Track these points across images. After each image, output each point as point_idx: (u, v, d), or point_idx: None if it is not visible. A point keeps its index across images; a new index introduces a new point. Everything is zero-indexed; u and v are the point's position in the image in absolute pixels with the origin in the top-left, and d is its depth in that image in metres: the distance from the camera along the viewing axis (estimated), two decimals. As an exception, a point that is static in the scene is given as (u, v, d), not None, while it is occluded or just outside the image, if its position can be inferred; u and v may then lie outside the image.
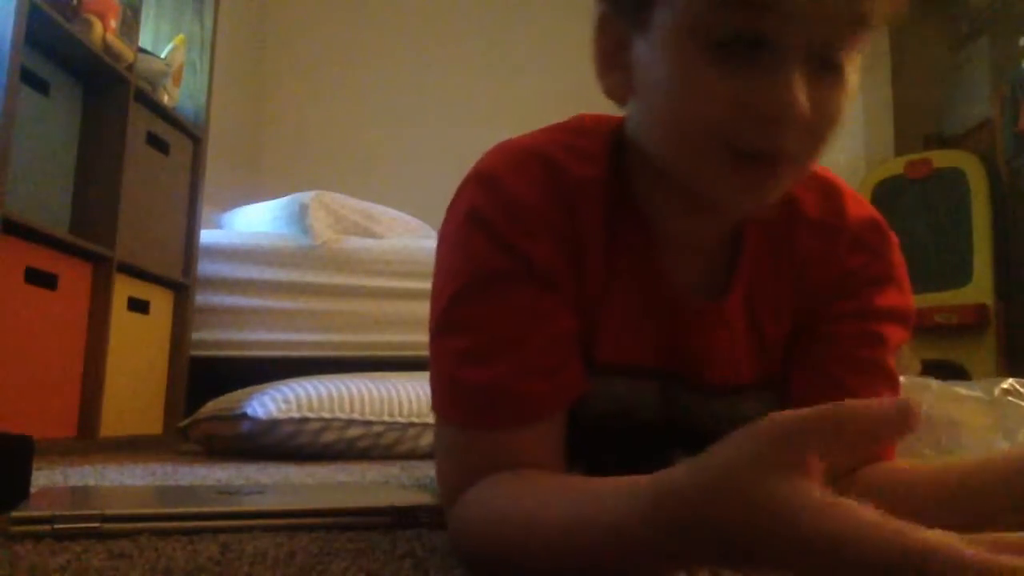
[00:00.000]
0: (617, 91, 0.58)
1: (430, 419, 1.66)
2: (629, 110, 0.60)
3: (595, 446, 0.64)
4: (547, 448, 0.56)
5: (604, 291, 0.60)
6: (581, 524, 0.43)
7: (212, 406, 1.77)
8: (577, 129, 0.63)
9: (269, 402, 1.67)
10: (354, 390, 1.74)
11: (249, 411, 1.66)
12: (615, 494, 0.41)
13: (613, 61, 0.57)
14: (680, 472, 0.37)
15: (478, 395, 0.55)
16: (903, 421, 0.33)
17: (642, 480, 0.40)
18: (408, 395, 1.78)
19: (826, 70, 0.51)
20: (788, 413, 0.34)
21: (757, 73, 0.49)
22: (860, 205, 0.66)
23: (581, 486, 0.47)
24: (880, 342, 0.63)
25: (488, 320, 0.56)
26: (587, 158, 0.60)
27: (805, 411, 0.33)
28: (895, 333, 0.63)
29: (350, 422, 1.71)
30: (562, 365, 0.57)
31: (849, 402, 0.33)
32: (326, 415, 1.69)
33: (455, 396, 0.57)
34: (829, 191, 0.64)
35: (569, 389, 0.57)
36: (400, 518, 0.73)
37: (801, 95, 0.49)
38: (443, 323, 0.58)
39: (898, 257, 0.65)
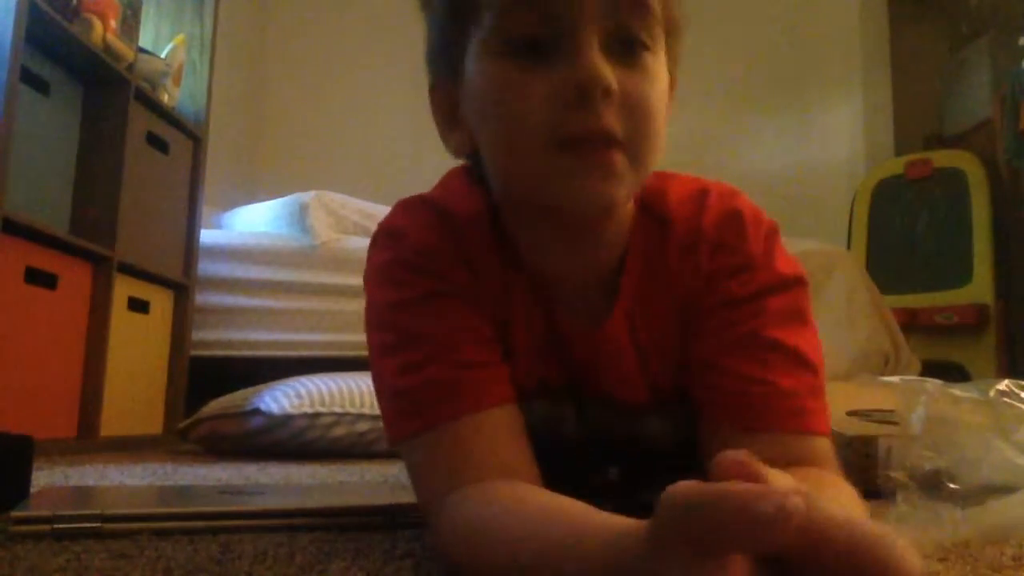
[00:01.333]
0: (463, 147, 0.63)
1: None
2: (478, 164, 0.64)
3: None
4: (512, 443, 0.57)
5: (507, 317, 0.64)
6: (565, 560, 0.42)
7: (216, 405, 1.77)
8: (458, 179, 0.68)
9: (282, 397, 1.68)
10: (363, 386, 1.75)
11: (262, 406, 1.66)
12: (600, 534, 0.41)
13: (451, 122, 0.63)
14: (635, 530, 0.37)
15: (418, 394, 0.58)
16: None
17: (624, 525, 0.39)
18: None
19: (628, 59, 0.55)
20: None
21: (561, 66, 0.53)
22: (719, 204, 0.65)
23: (567, 518, 0.46)
24: (754, 316, 0.61)
25: (420, 334, 0.60)
26: (468, 198, 0.65)
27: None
28: (771, 303, 0.62)
29: (360, 416, 1.72)
30: (492, 361, 0.60)
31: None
32: (338, 409, 1.70)
33: (400, 406, 0.60)
34: (697, 203, 0.65)
35: (504, 381, 0.60)
36: (399, 518, 0.73)
37: (605, 70, 0.52)
38: (379, 348, 0.62)
39: (757, 244, 0.63)
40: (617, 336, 0.64)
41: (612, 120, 0.53)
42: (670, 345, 0.65)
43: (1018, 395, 0.93)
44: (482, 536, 0.50)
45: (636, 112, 0.54)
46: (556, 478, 0.57)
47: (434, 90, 0.64)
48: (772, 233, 0.65)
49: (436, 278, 0.61)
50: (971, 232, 2.94)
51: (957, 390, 0.95)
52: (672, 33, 0.59)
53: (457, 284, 0.61)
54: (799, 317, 0.62)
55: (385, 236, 0.66)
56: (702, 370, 0.62)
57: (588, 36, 0.53)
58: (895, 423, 0.95)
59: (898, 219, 3.11)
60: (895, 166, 3.22)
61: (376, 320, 0.63)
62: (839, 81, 3.54)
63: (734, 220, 0.64)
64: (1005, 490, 0.80)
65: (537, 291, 0.64)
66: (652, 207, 0.65)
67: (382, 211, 3.06)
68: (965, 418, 0.89)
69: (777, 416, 0.58)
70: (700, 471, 0.35)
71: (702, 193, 0.66)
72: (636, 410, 0.68)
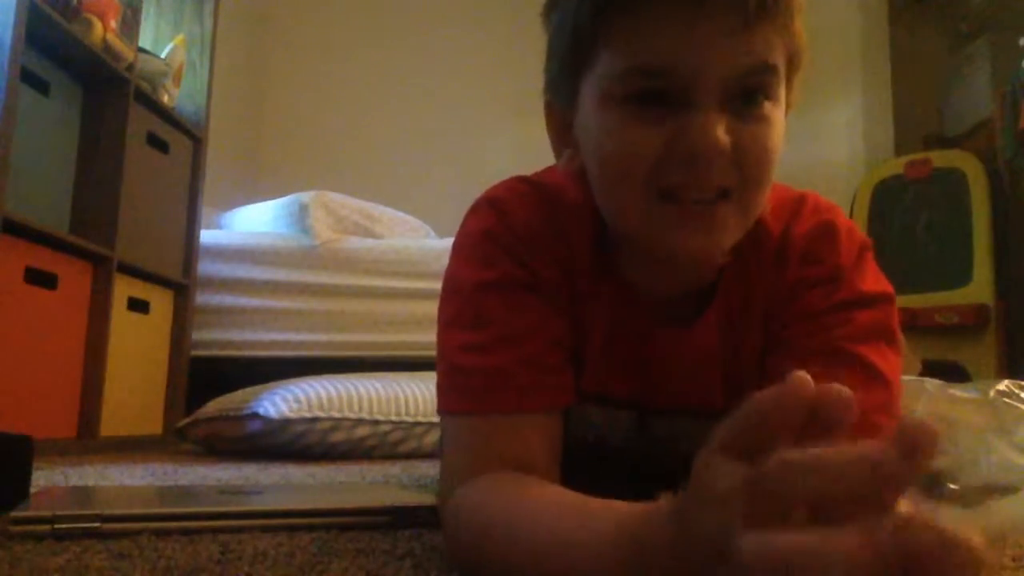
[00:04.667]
0: (571, 165, 0.62)
1: (436, 418, 1.66)
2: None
3: (574, 473, 0.65)
4: (544, 449, 0.58)
5: (587, 319, 0.64)
6: (566, 543, 0.43)
7: (215, 406, 1.77)
8: (572, 175, 0.67)
9: (280, 402, 1.67)
10: (361, 390, 1.75)
11: (261, 410, 1.66)
12: (603, 517, 0.41)
13: (563, 141, 0.62)
14: (655, 509, 0.36)
15: (476, 377, 0.59)
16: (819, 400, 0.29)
17: (628, 509, 0.39)
18: (414, 394, 1.78)
19: (747, 110, 0.54)
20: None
21: (675, 120, 0.53)
22: (812, 218, 0.65)
23: (571, 503, 0.48)
24: (834, 327, 0.61)
25: (495, 319, 0.60)
26: (578, 193, 0.64)
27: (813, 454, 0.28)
28: (854, 316, 0.62)
29: (359, 421, 1.71)
30: (559, 367, 0.61)
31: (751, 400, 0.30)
32: (336, 414, 1.69)
33: (454, 381, 0.61)
34: (791, 212, 0.65)
35: (563, 391, 0.61)
36: (400, 518, 0.73)
37: (718, 131, 0.51)
38: (452, 320, 0.63)
39: (848, 257, 0.64)
40: (705, 340, 0.64)
41: (721, 176, 0.53)
42: (753, 351, 0.65)
43: (1018, 395, 0.93)
44: (486, 519, 0.51)
45: (750, 163, 0.54)
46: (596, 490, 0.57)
47: (548, 107, 0.64)
48: (864, 249, 0.65)
49: (526, 268, 0.62)
50: (971, 232, 2.94)
51: (957, 390, 0.95)
52: (794, 69, 0.58)
53: (544, 278, 0.62)
54: (883, 334, 0.62)
55: (488, 206, 0.66)
56: (775, 379, 0.62)
57: (708, 92, 0.52)
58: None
59: (898, 219, 3.11)
60: (895, 166, 3.22)
61: (453, 289, 0.64)
62: (839, 81, 3.54)
63: (826, 232, 0.64)
64: (1005, 490, 0.80)
65: (625, 294, 0.64)
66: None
67: (382, 211, 3.05)
68: (965, 418, 0.89)
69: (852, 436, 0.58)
70: None
71: (798, 202, 0.66)
72: (704, 416, 0.66)
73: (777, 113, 0.56)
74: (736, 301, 0.65)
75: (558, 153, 0.64)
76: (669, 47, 0.52)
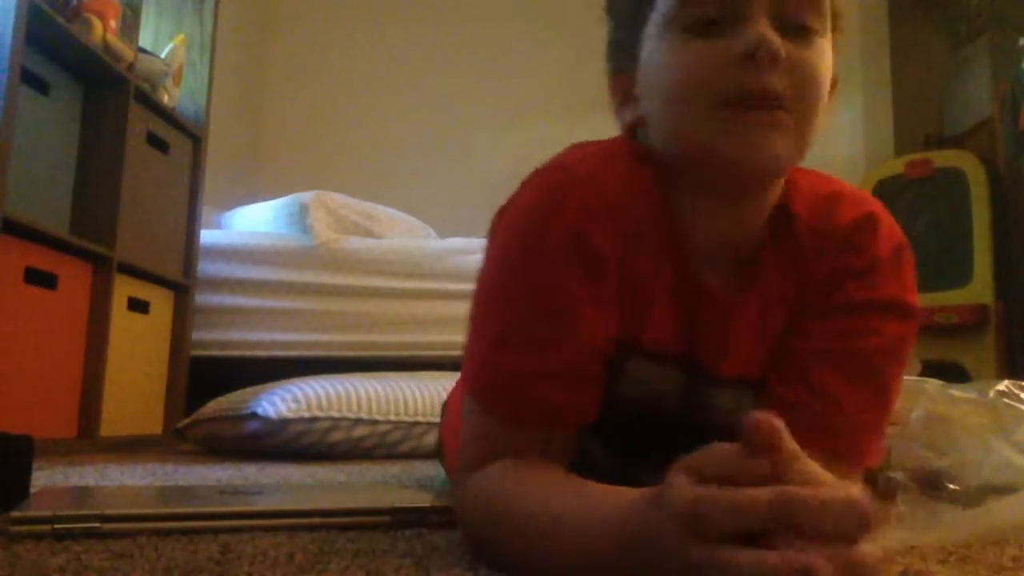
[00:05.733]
0: (633, 122, 0.66)
1: (435, 418, 1.66)
2: (645, 137, 0.66)
3: (617, 431, 0.68)
4: (558, 454, 0.60)
5: (652, 287, 0.63)
6: (568, 526, 0.48)
7: (214, 406, 1.77)
8: (619, 153, 0.67)
9: (279, 401, 1.67)
10: (360, 390, 1.74)
11: (259, 410, 1.66)
12: (607, 502, 0.46)
13: (626, 102, 0.66)
14: (642, 501, 0.42)
15: (505, 377, 0.59)
16: (850, 518, 0.34)
17: (634, 495, 0.44)
18: (414, 394, 1.78)
19: (796, 36, 0.58)
20: (713, 494, 0.36)
21: (732, 37, 0.57)
22: (855, 206, 0.67)
23: (580, 486, 0.52)
24: (862, 335, 0.63)
25: (539, 313, 0.59)
26: (638, 158, 0.65)
27: (735, 494, 0.35)
28: (883, 325, 0.63)
29: (357, 421, 1.71)
30: (593, 378, 0.61)
31: (786, 491, 0.35)
32: (335, 414, 1.69)
33: (483, 371, 0.62)
34: (827, 198, 0.67)
35: (589, 409, 0.61)
36: (400, 518, 0.73)
37: (773, 36, 0.56)
38: (486, 297, 0.62)
39: (887, 249, 0.65)
40: (750, 312, 0.65)
41: (777, 82, 0.56)
42: (779, 331, 0.66)
43: (1018, 395, 0.93)
44: (496, 505, 0.55)
45: (802, 78, 0.57)
46: (632, 467, 0.60)
47: (613, 78, 0.68)
48: (902, 248, 0.66)
49: (586, 258, 0.59)
50: (971, 232, 2.94)
51: (957, 390, 0.95)
52: (836, 28, 0.62)
53: (599, 244, 0.60)
54: (903, 355, 0.64)
55: (547, 182, 0.62)
56: (787, 368, 0.64)
57: (759, 14, 0.57)
58: (895, 423, 0.95)
59: (898, 219, 3.09)
60: (895, 166, 3.22)
61: (501, 268, 0.62)
62: (839, 81, 3.53)
63: (868, 223, 0.66)
64: (1005, 490, 0.80)
65: (682, 264, 0.64)
66: (787, 198, 0.66)
67: (382, 211, 3.05)
68: (965, 418, 0.89)
69: (839, 445, 0.60)
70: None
71: (837, 193, 0.67)
72: (739, 384, 0.68)
73: (826, 48, 0.60)
74: (774, 279, 0.65)
75: (620, 115, 0.67)
76: None
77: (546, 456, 0.59)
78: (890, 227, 0.66)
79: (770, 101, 0.56)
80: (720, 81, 0.56)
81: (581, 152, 0.65)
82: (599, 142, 0.67)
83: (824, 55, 0.59)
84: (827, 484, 0.36)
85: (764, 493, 0.34)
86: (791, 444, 0.36)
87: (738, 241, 0.65)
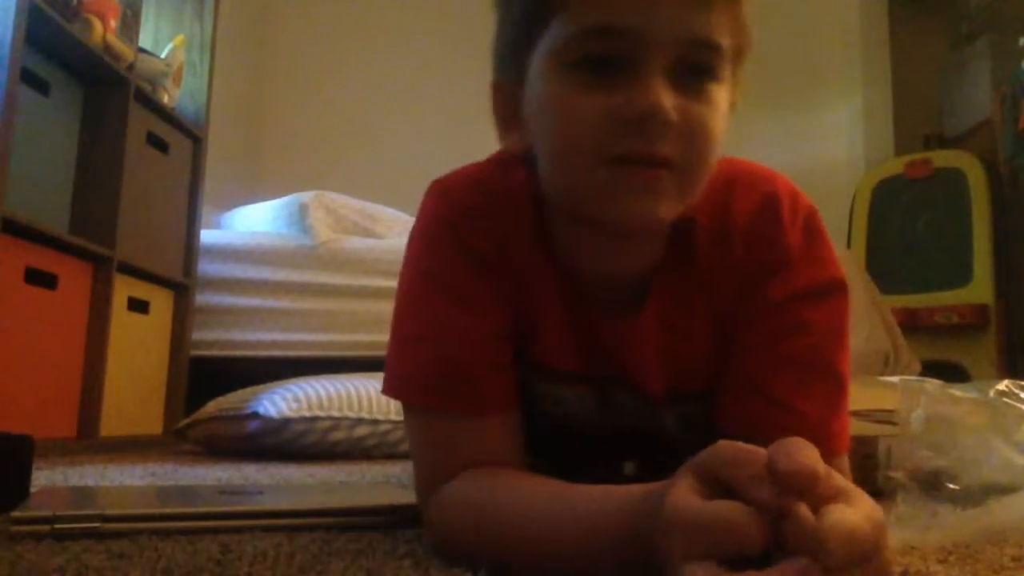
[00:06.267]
0: (518, 147, 0.63)
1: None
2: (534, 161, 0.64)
3: (549, 454, 0.68)
4: (509, 444, 0.61)
5: (534, 305, 0.64)
6: (555, 528, 0.49)
7: (214, 406, 1.77)
8: (505, 157, 0.68)
9: (280, 401, 1.67)
10: (361, 389, 1.75)
11: (260, 410, 1.66)
12: (587, 500, 0.48)
13: (511, 123, 0.63)
14: (634, 497, 0.44)
15: (424, 372, 0.62)
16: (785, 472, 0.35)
17: (611, 491, 0.45)
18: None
19: (693, 87, 0.54)
20: (697, 505, 0.37)
21: (623, 87, 0.53)
22: (750, 191, 0.63)
23: (556, 492, 0.53)
24: (797, 331, 0.60)
25: (443, 311, 0.62)
26: (517, 178, 0.65)
27: (733, 523, 0.36)
28: (814, 313, 0.61)
29: (358, 420, 1.71)
30: (508, 364, 0.63)
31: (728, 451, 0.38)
32: (336, 414, 1.69)
33: (406, 369, 0.64)
34: (721, 191, 0.63)
35: (505, 387, 0.62)
36: (400, 518, 0.73)
37: (664, 98, 0.52)
38: (404, 306, 0.66)
39: (794, 234, 0.62)
40: (645, 333, 0.64)
41: (666, 148, 0.53)
42: (701, 349, 0.64)
43: (1018, 395, 0.93)
44: (477, 512, 0.55)
45: (693, 139, 0.54)
46: (566, 469, 0.58)
47: (497, 88, 0.66)
48: (811, 218, 0.63)
49: (467, 248, 0.63)
50: (971, 232, 2.94)
51: (957, 390, 0.95)
52: (738, 61, 0.58)
53: (482, 253, 0.63)
54: (841, 331, 0.62)
55: (434, 190, 0.68)
56: (737, 383, 0.62)
57: (655, 62, 0.53)
58: (895, 423, 0.95)
59: (898, 219, 3.10)
60: (895, 166, 3.22)
61: (407, 275, 0.66)
62: (839, 81, 3.54)
63: (767, 207, 0.62)
64: (1005, 490, 0.80)
65: (567, 282, 0.64)
66: (691, 208, 0.63)
67: (382, 211, 3.06)
68: (965, 418, 0.89)
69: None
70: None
71: (730, 179, 0.63)
72: (651, 404, 0.67)
73: (722, 97, 0.56)
74: (679, 294, 0.63)
75: (504, 137, 0.65)
76: (622, 7, 0.52)
77: (498, 451, 0.60)
78: (791, 202, 0.63)
79: (656, 163, 0.54)
80: (606, 140, 0.53)
81: (472, 164, 0.69)
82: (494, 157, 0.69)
83: (719, 107, 0.55)
84: (853, 497, 0.37)
85: (764, 527, 0.35)
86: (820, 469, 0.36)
87: (626, 269, 0.63)
